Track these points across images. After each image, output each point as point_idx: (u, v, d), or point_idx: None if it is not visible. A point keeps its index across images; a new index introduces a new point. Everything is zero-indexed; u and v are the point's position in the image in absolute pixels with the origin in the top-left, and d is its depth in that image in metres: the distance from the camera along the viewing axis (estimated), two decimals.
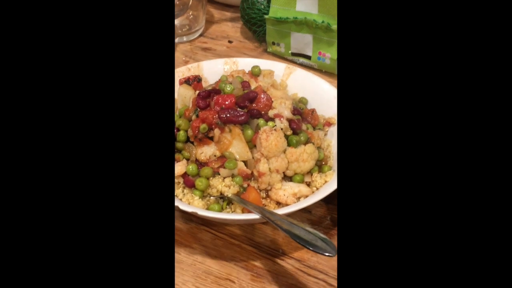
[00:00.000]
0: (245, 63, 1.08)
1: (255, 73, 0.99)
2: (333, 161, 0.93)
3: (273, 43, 1.28)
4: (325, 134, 0.98)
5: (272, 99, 0.89)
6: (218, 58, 1.20)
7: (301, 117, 0.94)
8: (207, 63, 1.07)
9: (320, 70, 1.25)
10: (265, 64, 1.07)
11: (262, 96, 0.88)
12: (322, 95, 1.02)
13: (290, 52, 1.26)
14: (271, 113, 0.87)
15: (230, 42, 1.37)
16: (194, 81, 1.01)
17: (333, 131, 0.99)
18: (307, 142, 0.89)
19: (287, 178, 0.87)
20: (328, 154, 0.93)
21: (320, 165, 0.91)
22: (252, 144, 0.85)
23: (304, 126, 0.91)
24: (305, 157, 0.85)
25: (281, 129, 0.85)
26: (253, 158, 0.85)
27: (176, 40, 1.35)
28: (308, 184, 0.87)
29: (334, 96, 1.00)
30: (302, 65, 1.27)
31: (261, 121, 0.86)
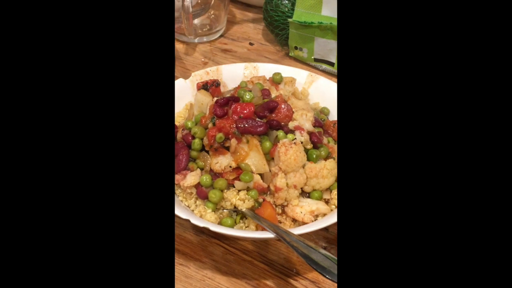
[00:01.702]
0: (266, 69, 1.03)
1: (276, 80, 0.95)
2: None
3: (296, 48, 1.24)
4: None
5: (293, 110, 0.85)
6: (238, 62, 1.16)
7: (322, 129, 0.90)
8: (226, 67, 1.03)
9: None
10: (287, 71, 1.03)
11: (283, 106, 0.84)
12: None
13: (313, 57, 1.22)
14: (291, 125, 0.83)
15: (251, 44, 1.33)
16: (212, 85, 0.97)
17: None
18: (327, 157, 0.84)
19: (304, 194, 0.83)
20: None
21: None
22: (269, 157, 0.81)
23: (325, 140, 0.87)
24: (325, 174, 0.80)
25: (301, 142, 0.81)
26: (270, 171, 0.81)
27: (196, 40, 1.31)
28: (327, 202, 0.83)
29: None
30: (324, 71, 1.22)
31: (280, 133, 0.81)
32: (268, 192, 0.81)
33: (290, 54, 1.27)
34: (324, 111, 0.99)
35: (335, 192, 0.83)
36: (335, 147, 0.87)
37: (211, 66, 1.18)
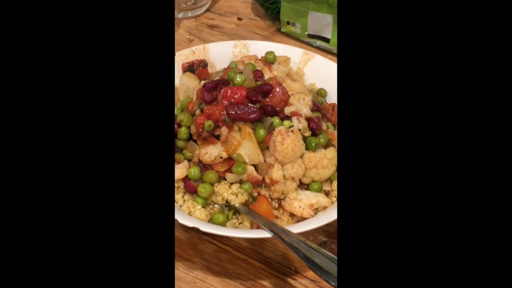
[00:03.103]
0: (257, 47, 0.95)
1: (270, 60, 0.87)
2: None
3: (288, 23, 1.15)
4: None
5: (289, 93, 0.77)
6: (226, 39, 1.08)
7: (321, 113, 0.82)
8: (214, 45, 0.94)
9: None
10: (280, 49, 0.95)
11: (278, 89, 0.76)
12: None
13: (306, 33, 1.13)
14: (287, 110, 0.75)
15: (239, 19, 1.24)
16: (199, 66, 0.88)
17: None
18: (327, 144, 0.77)
19: (303, 185, 0.76)
20: None
21: None
22: (264, 146, 0.74)
23: (324, 125, 0.79)
24: (325, 163, 0.73)
25: (299, 130, 0.73)
26: (265, 162, 0.73)
27: (180, 15, 1.21)
28: (327, 194, 0.76)
29: None
30: (319, 48, 1.14)
31: (275, 119, 0.74)
32: (263, 185, 0.74)
33: (282, 30, 1.18)
34: (321, 93, 0.91)
35: (335, 183, 0.77)
36: (335, 133, 0.80)
37: (197, 43, 1.10)
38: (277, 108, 0.76)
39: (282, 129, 0.72)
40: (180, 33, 1.16)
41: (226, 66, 0.90)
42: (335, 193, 0.76)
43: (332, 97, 0.91)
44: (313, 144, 0.74)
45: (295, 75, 0.92)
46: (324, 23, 1.09)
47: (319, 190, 0.75)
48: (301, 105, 0.75)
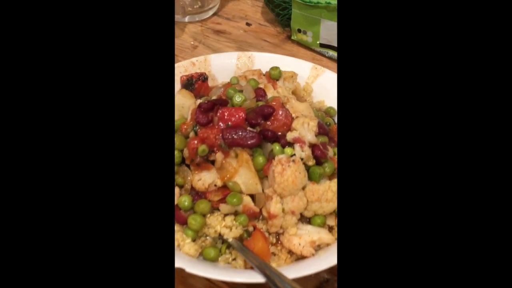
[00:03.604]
0: (263, 60, 0.88)
1: (274, 76, 0.80)
2: None
3: (299, 31, 1.07)
4: None
5: (293, 116, 0.70)
6: (232, 45, 1.01)
7: (328, 137, 0.75)
8: (216, 57, 0.87)
9: None
10: (287, 62, 0.87)
11: (280, 112, 0.69)
12: None
13: (318, 42, 1.06)
14: (289, 136, 0.68)
15: (248, 24, 1.16)
16: (198, 80, 0.82)
17: None
18: (333, 174, 0.70)
19: (304, 219, 0.69)
20: None
21: None
22: (263, 174, 0.67)
23: (330, 151, 0.72)
24: (330, 196, 0.66)
25: (301, 159, 0.66)
26: (263, 192, 0.67)
27: (186, 19, 1.15)
28: (331, 229, 0.69)
29: None
30: (331, 59, 1.07)
31: (276, 146, 0.67)
32: (261, 217, 0.67)
33: (292, 38, 1.10)
34: (330, 112, 0.84)
35: None
36: None
37: (201, 50, 1.03)
38: (279, 133, 0.69)
39: (283, 158, 0.65)
40: (183, 39, 1.10)
41: (228, 80, 0.83)
42: None
43: None
44: (317, 175, 0.67)
45: (302, 92, 0.85)
46: (336, 32, 1.01)
47: (322, 225, 0.68)
48: (305, 130, 0.68)
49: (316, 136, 0.70)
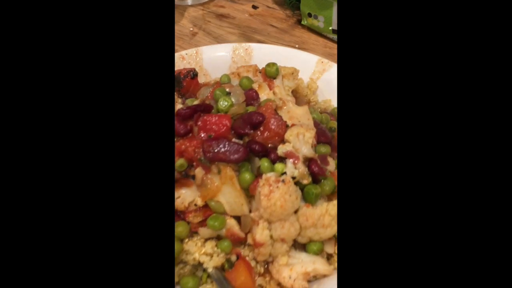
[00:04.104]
0: (262, 52, 0.77)
1: (271, 74, 0.69)
2: None
3: (310, 15, 0.96)
4: None
5: (287, 124, 0.60)
6: (235, 31, 0.91)
7: (331, 145, 0.65)
8: (208, 49, 0.77)
9: None
10: (290, 56, 0.77)
11: (272, 121, 0.59)
12: None
13: (330, 28, 0.94)
14: (281, 149, 0.58)
15: (254, 7, 1.05)
16: (186, 77, 0.72)
17: None
18: (333, 193, 0.60)
19: (298, 244, 0.59)
20: None
21: None
22: (250, 193, 0.58)
23: (332, 164, 0.62)
24: (327, 221, 0.57)
25: (293, 178, 0.56)
26: (250, 212, 0.57)
27: (189, 1, 1.04)
28: (329, 257, 0.60)
29: None
30: None
31: (264, 162, 0.57)
32: (247, 243, 0.58)
33: (302, 23, 0.99)
34: (336, 113, 0.73)
35: None
36: None
37: (201, 37, 0.93)
38: (269, 144, 0.59)
39: (271, 178, 0.55)
40: (182, 24, 1.00)
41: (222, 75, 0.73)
42: None
43: None
44: (313, 195, 0.57)
45: (305, 90, 0.75)
46: None
47: (319, 253, 0.59)
48: (299, 143, 0.58)
49: (313, 147, 0.60)
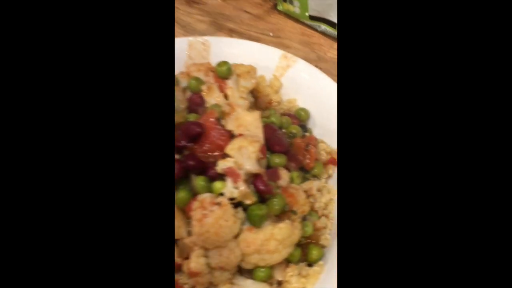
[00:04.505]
0: (221, 47, 0.70)
1: (222, 74, 0.61)
2: (333, 233, 0.57)
3: (285, 0, 0.87)
4: (327, 180, 0.61)
5: (237, 132, 0.53)
6: (205, 19, 0.84)
7: (289, 155, 0.58)
8: None
9: None
10: (250, 50, 0.69)
11: (213, 133, 0.52)
12: (331, 110, 0.64)
13: (307, 14, 0.85)
14: (220, 166, 0.51)
15: None
16: None
17: None
18: (283, 212, 0.53)
19: (245, 271, 0.53)
20: (322, 224, 0.57)
21: (305, 246, 0.55)
22: (186, 215, 0.51)
23: (285, 178, 0.55)
24: (273, 247, 0.50)
25: (231, 200, 0.50)
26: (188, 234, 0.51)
27: None
28: (280, 284, 0.53)
29: None
30: (324, 33, 0.86)
31: (200, 181, 0.51)
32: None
33: (278, 8, 0.90)
34: (301, 116, 0.66)
35: (292, 268, 0.53)
36: (310, 186, 0.56)
37: None
38: (210, 158, 0.52)
39: (206, 199, 0.49)
40: None
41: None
42: (293, 284, 0.52)
43: (318, 121, 0.65)
44: (257, 217, 0.50)
45: (267, 89, 0.67)
46: (328, 2, 0.80)
47: (267, 279, 0.52)
48: (243, 157, 0.51)
49: (259, 161, 0.53)
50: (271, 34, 0.88)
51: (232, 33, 0.89)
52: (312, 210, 0.57)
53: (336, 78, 0.79)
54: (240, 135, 0.54)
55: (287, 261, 0.54)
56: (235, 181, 0.50)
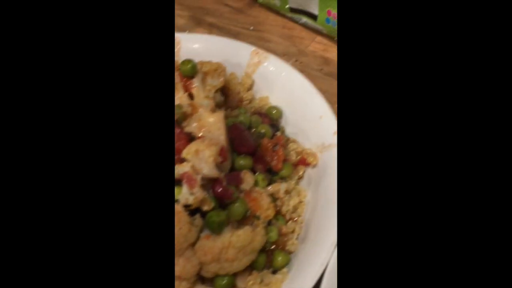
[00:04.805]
0: (188, 44, 0.67)
1: (186, 73, 0.59)
2: (301, 237, 0.55)
3: None
4: (297, 181, 0.59)
5: (194, 136, 0.51)
6: (184, 14, 0.82)
7: (255, 156, 0.55)
8: None
9: (332, 38, 0.81)
10: (221, 46, 0.66)
11: None
12: (303, 108, 0.61)
13: (287, 6, 0.82)
14: (178, 169, 0.49)
15: None
16: None
17: (310, 174, 0.59)
18: (245, 218, 0.51)
19: (207, 279, 0.51)
20: (289, 229, 0.55)
21: (270, 253, 0.53)
22: None
23: (249, 181, 0.53)
24: (232, 255, 0.48)
25: (187, 206, 0.48)
26: None
27: None
28: None
29: (321, 114, 0.59)
30: (305, 26, 0.83)
31: None
32: None
33: (258, 1, 0.87)
34: (272, 114, 0.63)
35: (254, 276, 0.51)
36: (277, 189, 0.54)
37: None
38: None
39: None
40: None
41: None
42: None
43: (290, 120, 0.63)
44: (215, 224, 0.48)
45: (238, 87, 0.65)
46: None
47: (230, 287, 0.50)
48: (200, 161, 0.49)
49: (220, 165, 0.50)
50: (251, 28, 0.85)
51: (211, 27, 0.86)
52: (279, 214, 0.55)
53: (316, 73, 0.77)
54: (200, 137, 0.52)
55: (251, 268, 0.52)
56: (191, 186, 0.48)
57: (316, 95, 0.60)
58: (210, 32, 0.84)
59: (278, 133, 0.61)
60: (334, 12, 0.75)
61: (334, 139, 0.57)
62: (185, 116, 0.54)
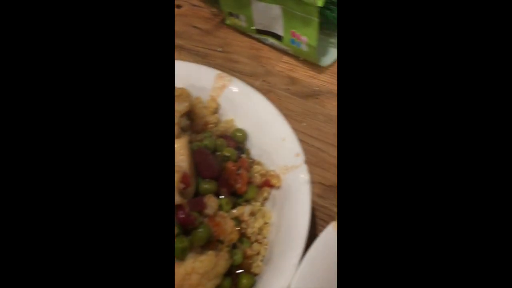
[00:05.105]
0: None
1: None
2: (266, 259, 0.55)
3: (231, 14, 0.86)
4: (262, 203, 0.60)
5: None
6: None
7: (221, 180, 0.56)
8: None
9: (297, 57, 0.83)
10: (185, 70, 0.68)
11: None
12: (267, 131, 0.62)
13: (253, 28, 0.84)
14: None
15: (178, 7, 0.95)
16: None
17: (275, 196, 0.60)
18: (208, 242, 0.52)
19: None
20: (254, 252, 0.55)
21: (235, 276, 0.54)
22: None
23: (212, 206, 0.53)
24: (195, 281, 0.49)
25: None
26: None
27: None
28: None
29: (283, 136, 0.60)
30: (272, 47, 0.85)
31: None
32: None
33: (226, 22, 0.89)
34: (237, 137, 0.64)
35: None
36: (244, 212, 0.55)
37: None
38: None
39: None
40: None
41: None
42: None
43: (254, 142, 0.64)
44: (178, 250, 0.49)
45: (203, 111, 0.66)
46: (272, 16, 0.79)
47: None
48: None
49: (182, 191, 0.51)
50: (219, 49, 0.87)
51: (180, 49, 0.87)
52: (244, 236, 0.56)
53: (283, 92, 0.78)
54: None
55: None
56: None
57: (279, 117, 0.62)
58: (179, 54, 0.86)
59: (244, 156, 0.62)
60: (298, 33, 0.77)
61: (296, 161, 0.58)
62: None
